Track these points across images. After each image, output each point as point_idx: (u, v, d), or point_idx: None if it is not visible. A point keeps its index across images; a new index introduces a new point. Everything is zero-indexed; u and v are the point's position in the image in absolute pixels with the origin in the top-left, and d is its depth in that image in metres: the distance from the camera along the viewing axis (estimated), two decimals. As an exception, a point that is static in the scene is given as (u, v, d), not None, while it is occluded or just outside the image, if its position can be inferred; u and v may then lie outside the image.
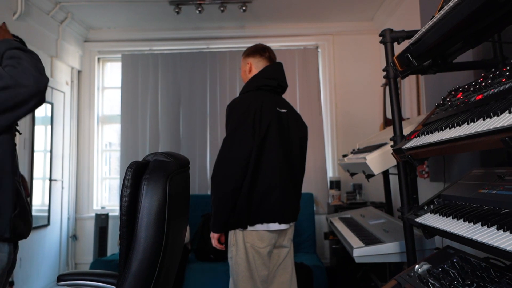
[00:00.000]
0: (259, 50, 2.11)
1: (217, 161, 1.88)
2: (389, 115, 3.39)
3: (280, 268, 2.04)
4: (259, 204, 1.87)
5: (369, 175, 2.17)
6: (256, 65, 2.09)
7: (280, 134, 1.96)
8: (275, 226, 1.89)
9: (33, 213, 1.59)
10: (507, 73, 1.01)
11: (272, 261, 2.01)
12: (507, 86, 0.95)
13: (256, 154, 1.87)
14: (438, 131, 1.13)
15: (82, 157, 4.28)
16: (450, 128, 1.06)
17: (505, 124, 0.78)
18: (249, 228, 1.88)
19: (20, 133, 1.75)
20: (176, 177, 1.05)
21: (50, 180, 3.75)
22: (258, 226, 1.87)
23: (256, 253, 1.89)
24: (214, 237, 1.91)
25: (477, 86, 1.13)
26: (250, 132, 1.87)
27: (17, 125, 1.61)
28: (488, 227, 0.89)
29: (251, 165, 1.86)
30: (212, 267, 3.15)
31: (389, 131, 1.96)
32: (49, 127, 3.79)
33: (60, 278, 1.30)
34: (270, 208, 1.89)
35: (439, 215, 1.15)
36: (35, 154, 3.47)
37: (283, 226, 1.92)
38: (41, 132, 3.66)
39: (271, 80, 2.03)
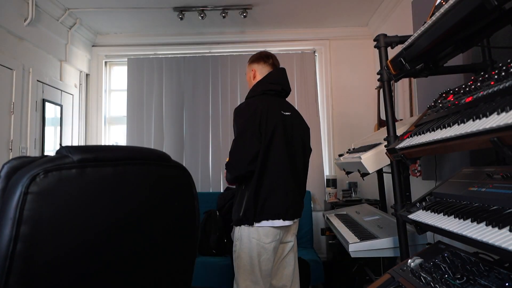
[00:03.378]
0: (263, 57, 2.15)
1: (227, 162, 1.97)
2: (383, 117, 3.38)
3: (284, 261, 2.09)
4: (264, 202, 1.92)
5: (364, 174, 2.19)
6: (260, 71, 2.13)
7: (285, 135, 2.00)
8: (279, 222, 1.94)
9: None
10: (496, 76, 1.02)
11: (276, 255, 2.05)
12: (495, 89, 0.97)
13: (262, 155, 1.91)
14: (430, 132, 1.15)
15: (89, 157, 4.37)
16: (441, 129, 1.07)
17: (494, 125, 0.79)
18: (256, 224, 1.92)
19: None
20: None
21: (60, 178, 3.84)
22: (264, 223, 1.92)
23: (262, 248, 1.92)
24: None
25: (467, 89, 1.15)
26: (256, 134, 1.91)
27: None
28: (478, 223, 0.90)
29: (258, 165, 1.90)
30: (214, 261, 3.17)
31: (383, 132, 1.98)
32: (58, 128, 3.84)
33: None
34: (275, 206, 1.93)
35: (431, 212, 1.16)
36: (45, 154, 3.56)
37: (287, 223, 1.96)
38: (51, 133, 3.71)
39: (275, 85, 2.07)
